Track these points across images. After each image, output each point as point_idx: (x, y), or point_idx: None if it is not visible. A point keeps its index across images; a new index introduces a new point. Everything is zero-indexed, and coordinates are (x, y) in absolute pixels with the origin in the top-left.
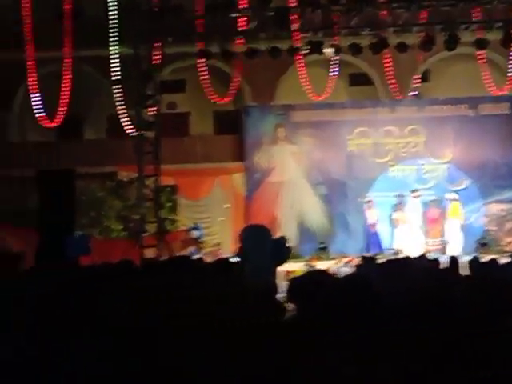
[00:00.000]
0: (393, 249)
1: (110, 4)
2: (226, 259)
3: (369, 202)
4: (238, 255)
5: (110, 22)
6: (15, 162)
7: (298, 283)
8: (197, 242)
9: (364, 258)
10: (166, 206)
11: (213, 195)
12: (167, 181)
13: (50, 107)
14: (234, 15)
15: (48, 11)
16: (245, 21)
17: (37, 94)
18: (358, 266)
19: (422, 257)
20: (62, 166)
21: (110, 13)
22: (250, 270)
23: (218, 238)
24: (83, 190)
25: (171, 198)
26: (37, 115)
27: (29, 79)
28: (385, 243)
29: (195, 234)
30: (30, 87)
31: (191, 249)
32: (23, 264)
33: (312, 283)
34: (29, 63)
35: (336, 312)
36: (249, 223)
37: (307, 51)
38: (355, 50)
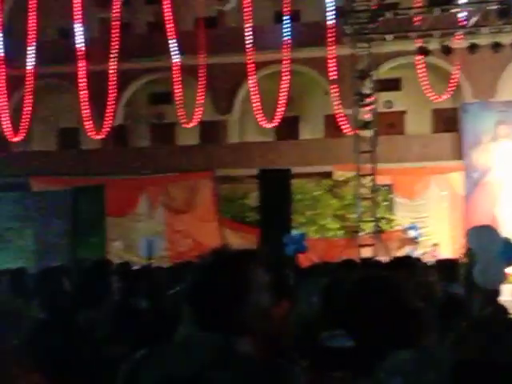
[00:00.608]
0: None
1: (328, 5)
2: (452, 260)
3: None
4: (464, 256)
5: (328, 22)
6: (236, 163)
7: None
8: (413, 241)
9: None
10: (383, 205)
11: (430, 194)
12: (383, 180)
13: (268, 108)
14: (453, 10)
15: (266, 14)
16: (465, 15)
17: (256, 96)
18: None
19: None
20: (280, 165)
21: (328, 13)
22: (477, 271)
23: (436, 237)
24: (300, 189)
25: (388, 197)
26: (257, 116)
27: (249, 81)
28: None
29: (412, 233)
30: (251, 89)
31: (408, 248)
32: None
33: None
34: (249, 66)
35: None
36: (467, 223)
37: None
38: None
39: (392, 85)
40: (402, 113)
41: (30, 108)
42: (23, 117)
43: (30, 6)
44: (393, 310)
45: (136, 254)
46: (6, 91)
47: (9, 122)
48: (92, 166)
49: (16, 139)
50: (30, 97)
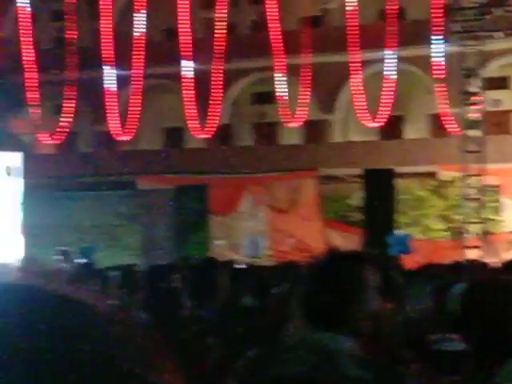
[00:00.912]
0: None
1: (434, 2)
2: None
3: None
4: None
5: (434, 19)
6: (339, 162)
7: None
8: None
9: None
10: (490, 206)
11: None
12: (491, 180)
13: (372, 107)
14: None
15: (370, 12)
16: None
17: (360, 95)
18: None
19: None
20: (384, 165)
21: (434, 11)
22: None
23: None
24: (404, 189)
25: (495, 199)
26: (360, 116)
27: (352, 80)
28: None
29: None
30: (354, 88)
31: None
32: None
33: None
34: (353, 64)
35: None
36: None
37: None
38: None
39: (500, 83)
40: (511, 112)
41: (138, 108)
42: (131, 116)
43: (137, 8)
44: (509, 314)
45: (239, 252)
46: (115, 91)
47: (117, 121)
48: (196, 164)
49: (124, 138)
50: (138, 97)
